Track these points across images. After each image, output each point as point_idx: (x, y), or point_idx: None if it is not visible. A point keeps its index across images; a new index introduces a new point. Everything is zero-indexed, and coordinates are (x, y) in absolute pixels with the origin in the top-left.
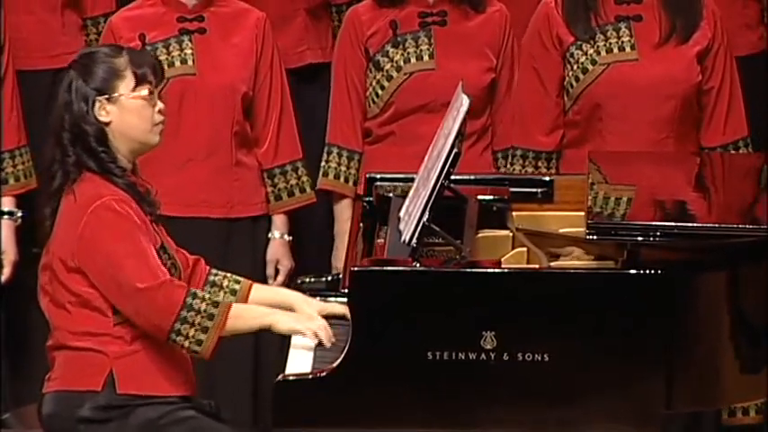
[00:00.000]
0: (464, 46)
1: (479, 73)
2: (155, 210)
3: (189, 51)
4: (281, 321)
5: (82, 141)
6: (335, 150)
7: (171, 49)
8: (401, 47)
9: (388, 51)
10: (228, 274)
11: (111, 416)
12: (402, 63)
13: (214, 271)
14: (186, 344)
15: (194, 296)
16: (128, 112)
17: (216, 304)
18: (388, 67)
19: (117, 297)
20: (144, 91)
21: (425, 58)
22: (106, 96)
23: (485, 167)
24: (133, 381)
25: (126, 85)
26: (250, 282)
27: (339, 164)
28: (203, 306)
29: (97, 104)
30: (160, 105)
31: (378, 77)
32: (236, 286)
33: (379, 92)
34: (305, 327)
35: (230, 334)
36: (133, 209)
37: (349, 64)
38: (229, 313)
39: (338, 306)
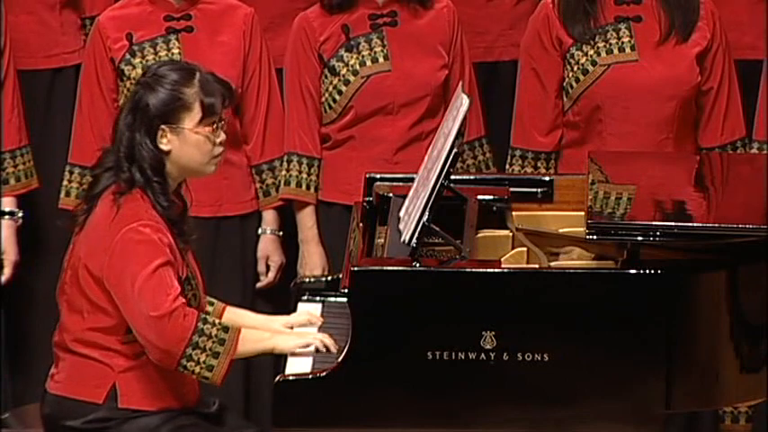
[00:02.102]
0: (417, 45)
1: (434, 71)
2: (187, 241)
3: (176, 51)
4: (283, 341)
5: (138, 164)
6: (295, 158)
7: (158, 48)
8: (355, 50)
9: (342, 56)
10: (203, 296)
11: (108, 425)
12: (358, 66)
13: None
14: (197, 370)
15: (205, 321)
16: (188, 145)
17: (226, 329)
18: (344, 71)
19: (132, 320)
20: (208, 126)
21: (380, 59)
22: (170, 126)
23: None
24: (135, 396)
25: (192, 117)
26: (223, 305)
27: (300, 171)
28: (214, 331)
29: (160, 133)
30: (222, 137)
31: (334, 82)
32: (209, 308)
33: (337, 97)
34: (310, 338)
35: (237, 358)
36: (165, 236)
37: (303, 71)
38: (239, 338)
39: (303, 315)
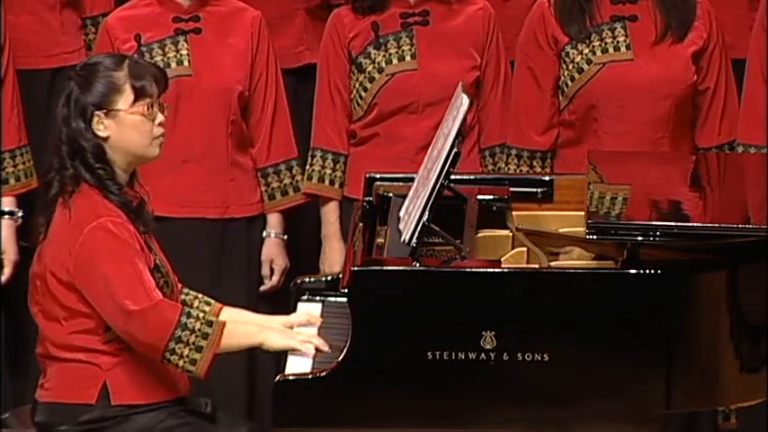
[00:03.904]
0: (447, 45)
1: (462, 72)
2: (149, 226)
3: (184, 52)
4: (271, 338)
5: (80, 156)
6: (319, 153)
7: (167, 50)
8: (383, 48)
9: (370, 53)
10: (200, 295)
11: (105, 425)
12: (384, 64)
13: (186, 290)
14: (180, 363)
15: (188, 315)
16: (126, 128)
17: (210, 323)
18: (369, 68)
19: (112, 318)
20: (142, 106)
21: (407, 58)
22: (104, 111)
23: (472, 166)
24: (127, 391)
25: (125, 99)
26: (219, 305)
27: (323, 167)
28: (197, 325)
29: (95, 119)
30: (160, 118)
31: (360, 79)
32: (206, 308)
33: (363, 94)
34: (297, 341)
35: (222, 352)
36: (128, 229)
37: (332, 67)
38: (223, 332)
39: (302, 315)
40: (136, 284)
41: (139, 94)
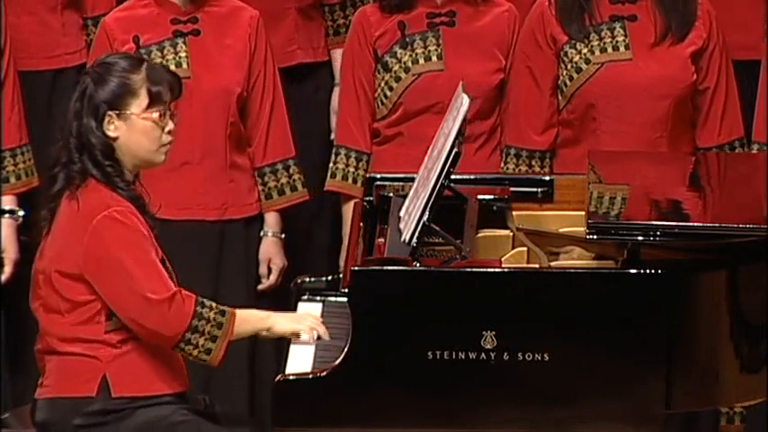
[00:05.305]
0: (472, 46)
1: (487, 74)
2: (154, 221)
3: (183, 54)
4: (278, 323)
5: (88, 151)
6: (343, 152)
7: (165, 52)
8: (409, 48)
9: (396, 52)
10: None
11: (107, 420)
12: (410, 64)
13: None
14: (195, 353)
15: (202, 305)
16: (136, 131)
17: (223, 312)
18: (396, 68)
19: (125, 308)
20: (155, 113)
21: (434, 58)
22: (117, 112)
23: (494, 168)
24: (127, 383)
25: (139, 103)
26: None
27: (347, 165)
28: (212, 315)
29: (107, 119)
30: (170, 126)
31: (386, 78)
32: None
33: (388, 93)
34: (304, 326)
35: (235, 339)
36: (139, 219)
37: (357, 65)
38: (236, 320)
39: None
40: (153, 273)
41: (154, 100)
